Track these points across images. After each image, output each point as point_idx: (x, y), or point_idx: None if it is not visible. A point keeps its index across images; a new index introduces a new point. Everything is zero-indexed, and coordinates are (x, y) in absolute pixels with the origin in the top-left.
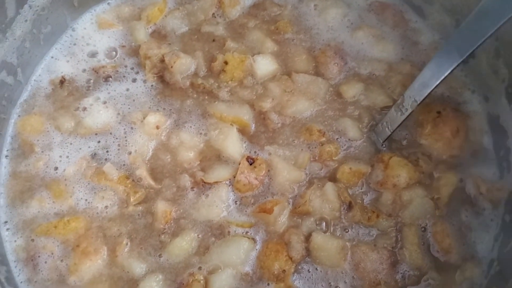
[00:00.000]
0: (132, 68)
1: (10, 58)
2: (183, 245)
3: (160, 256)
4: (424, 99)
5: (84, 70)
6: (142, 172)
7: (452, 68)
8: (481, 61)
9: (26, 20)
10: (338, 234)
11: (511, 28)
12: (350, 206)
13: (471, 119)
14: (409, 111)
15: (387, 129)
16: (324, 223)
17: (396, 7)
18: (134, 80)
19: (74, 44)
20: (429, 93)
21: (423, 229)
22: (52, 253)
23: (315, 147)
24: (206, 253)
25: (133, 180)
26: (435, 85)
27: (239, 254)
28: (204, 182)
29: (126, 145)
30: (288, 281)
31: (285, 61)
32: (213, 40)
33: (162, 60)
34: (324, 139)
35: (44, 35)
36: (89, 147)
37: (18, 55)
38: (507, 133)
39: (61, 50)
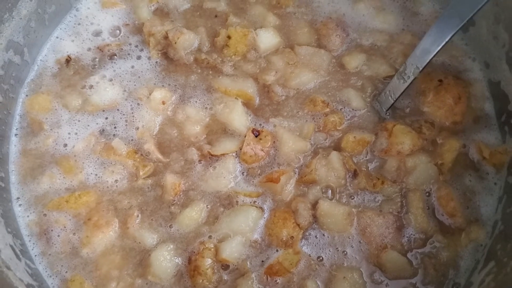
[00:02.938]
0: (136, 46)
1: (17, 37)
2: (193, 215)
3: (170, 226)
4: (426, 66)
5: (89, 49)
6: (150, 147)
7: (453, 33)
8: (481, 27)
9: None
10: (344, 201)
11: None
12: (355, 174)
13: (472, 86)
14: (412, 78)
15: (390, 97)
16: (330, 191)
17: None
18: (138, 57)
19: (79, 24)
20: (431, 60)
21: (427, 194)
22: (65, 227)
23: (319, 118)
24: (215, 222)
25: (141, 155)
26: (437, 51)
27: (247, 222)
28: (211, 155)
29: (133, 121)
30: (296, 247)
31: (287, 34)
32: (215, 16)
33: (166, 37)
34: (328, 109)
35: (49, 15)
36: (97, 123)
37: (24, 34)
38: (508, 98)
39: (65, 30)
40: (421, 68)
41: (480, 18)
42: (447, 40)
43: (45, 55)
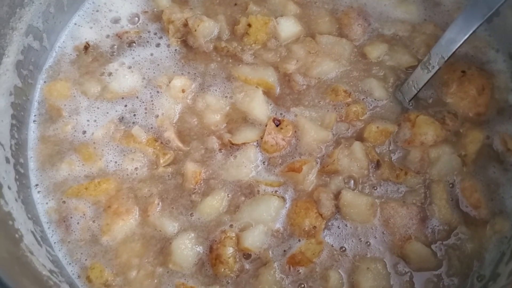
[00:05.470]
0: (155, 33)
1: (36, 22)
2: (214, 204)
3: (191, 215)
4: (451, 56)
5: (107, 36)
6: (170, 135)
7: (480, 23)
8: (506, 17)
9: None
10: (367, 192)
11: None
12: (378, 164)
13: (495, 77)
14: (436, 68)
15: (413, 88)
16: (352, 181)
17: None
18: (157, 45)
19: (97, 11)
20: (456, 49)
21: (451, 185)
22: (84, 214)
23: (341, 108)
24: (236, 211)
25: (161, 143)
26: (463, 40)
27: (269, 211)
28: (232, 144)
29: (153, 109)
30: (319, 237)
31: (308, 23)
32: (235, 4)
33: (185, 25)
34: (350, 99)
35: (68, 1)
36: (116, 111)
37: (44, 20)
38: None
39: (84, 17)
40: (446, 58)
41: (506, 7)
42: (474, 29)
43: (64, 41)
